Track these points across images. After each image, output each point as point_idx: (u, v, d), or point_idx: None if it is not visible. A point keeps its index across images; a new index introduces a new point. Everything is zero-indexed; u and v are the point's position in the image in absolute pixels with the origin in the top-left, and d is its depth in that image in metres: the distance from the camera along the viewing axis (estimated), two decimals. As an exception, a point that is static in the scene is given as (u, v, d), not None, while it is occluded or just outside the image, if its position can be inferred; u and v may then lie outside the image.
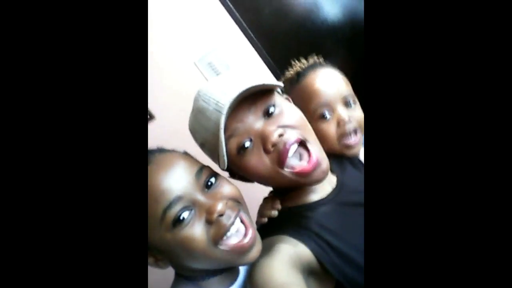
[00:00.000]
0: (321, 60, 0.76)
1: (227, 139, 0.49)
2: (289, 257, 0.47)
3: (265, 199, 0.63)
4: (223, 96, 0.47)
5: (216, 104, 0.47)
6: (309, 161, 0.50)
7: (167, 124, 1.44)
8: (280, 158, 0.49)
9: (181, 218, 0.43)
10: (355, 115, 0.67)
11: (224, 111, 0.45)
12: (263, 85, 0.48)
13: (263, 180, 0.54)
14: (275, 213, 0.56)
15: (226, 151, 0.49)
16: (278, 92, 0.57)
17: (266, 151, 0.49)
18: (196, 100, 0.53)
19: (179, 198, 0.44)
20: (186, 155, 0.52)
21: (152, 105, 1.48)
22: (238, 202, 0.49)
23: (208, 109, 0.49)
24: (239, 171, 0.54)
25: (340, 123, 0.65)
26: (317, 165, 0.50)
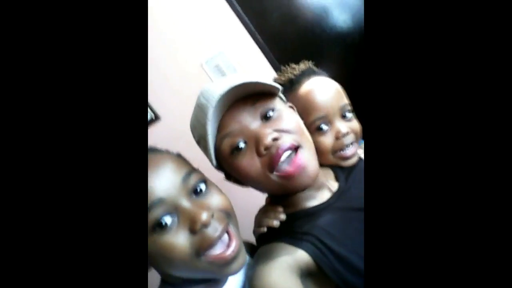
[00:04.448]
0: (313, 66, 0.72)
1: (222, 138, 0.49)
2: (287, 264, 0.47)
3: (264, 209, 0.61)
4: (217, 91, 0.47)
5: (212, 99, 0.47)
6: (292, 164, 0.48)
7: (173, 125, 1.44)
8: (271, 162, 0.48)
9: (163, 223, 0.42)
10: (352, 126, 0.65)
11: (213, 103, 0.45)
12: (257, 83, 0.47)
13: (253, 184, 0.53)
14: (277, 223, 0.55)
15: (220, 150, 0.49)
16: (281, 99, 0.57)
17: (259, 153, 0.48)
18: (198, 98, 0.53)
19: (161, 201, 0.42)
20: (178, 157, 0.50)
21: (158, 106, 1.49)
22: (227, 213, 0.48)
23: (205, 105, 0.48)
24: (232, 172, 0.53)
25: (338, 137, 0.63)
26: (301, 169, 0.49)
